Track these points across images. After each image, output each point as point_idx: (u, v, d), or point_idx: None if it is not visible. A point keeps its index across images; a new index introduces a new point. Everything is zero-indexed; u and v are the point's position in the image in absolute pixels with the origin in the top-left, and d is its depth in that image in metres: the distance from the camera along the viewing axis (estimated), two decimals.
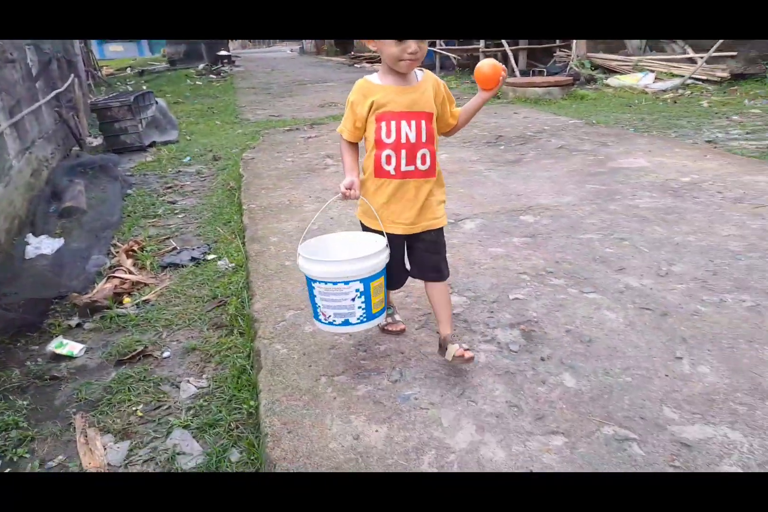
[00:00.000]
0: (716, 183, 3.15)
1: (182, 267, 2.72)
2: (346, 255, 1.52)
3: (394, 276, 1.63)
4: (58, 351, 2.05)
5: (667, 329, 1.74)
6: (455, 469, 1.25)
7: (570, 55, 9.30)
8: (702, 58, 8.08)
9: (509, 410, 1.43)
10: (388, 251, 1.49)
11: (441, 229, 1.59)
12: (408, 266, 1.67)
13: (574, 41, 9.24)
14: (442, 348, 1.57)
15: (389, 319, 1.79)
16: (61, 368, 1.97)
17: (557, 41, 10.18)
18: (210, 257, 2.81)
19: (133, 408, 1.73)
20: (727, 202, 2.82)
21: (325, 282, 1.42)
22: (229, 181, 4.08)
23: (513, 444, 1.32)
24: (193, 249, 2.92)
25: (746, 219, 2.57)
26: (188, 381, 1.86)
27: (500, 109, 6.24)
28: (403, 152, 1.45)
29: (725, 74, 7.85)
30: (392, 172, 1.47)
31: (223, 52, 15.80)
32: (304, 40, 26.58)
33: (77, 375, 1.94)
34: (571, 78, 7.72)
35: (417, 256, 1.61)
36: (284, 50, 30.60)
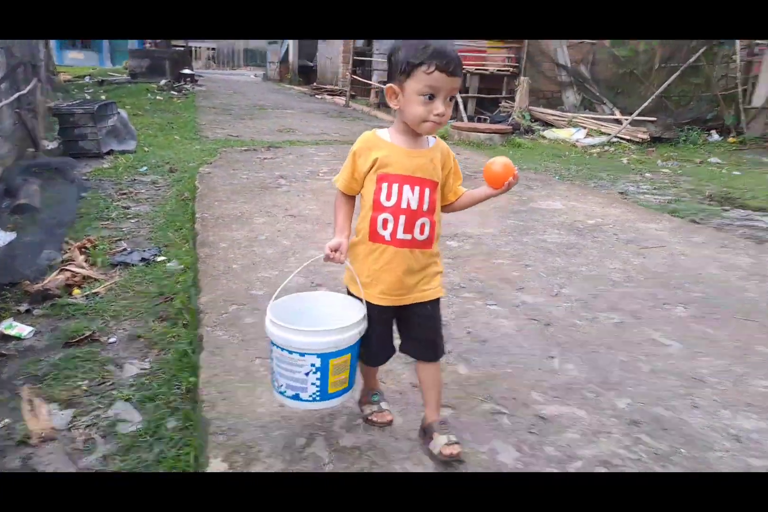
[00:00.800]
0: (615, 226, 3.67)
1: (132, 266, 2.91)
2: (316, 320, 1.38)
3: (376, 353, 1.47)
4: (7, 332, 2.20)
5: (547, 336, 2.12)
6: (360, 431, 1.54)
7: (513, 106, 10.14)
8: (627, 119, 9.06)
9: (411, 389, 1.74)
10: (361, 327, 1.34)
11: (436, 301, 1.45)
12: (395, 341, 1.51)
13: (518, 95, 10.11)
14: (426, 434, 1.46)
15: (374, 407, 1.55)
16: (9, 347, 2.13)
17: (503, 93, 11.10)
18: (159, 259, 3.02)
19: (78, 383, 1.91)
20: (620, 243, 3.32)
21: (282, 349, 1.30)
22: (183, 192, 4.29)
23: (410, 413, 1.62)
24: (144, 250, 3.11)
25: (631, 257, 3.06)
26: (132, 363, 2.07)
27: None
28: (402, 218, 1.33)
29: (645, 136, 8.82)
30: (387, 238, 1.35)
31: (186, 70, 15.99)
32: (268, 67, 27.16)
33: (26, 354, 2.09)
34: (511, 127, 8.46)
35: (409, 331, 1.46)
36: (248, 74, 30.99)
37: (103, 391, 1.88)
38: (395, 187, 1.33)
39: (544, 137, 8.89)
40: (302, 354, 1.27)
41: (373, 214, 1.35)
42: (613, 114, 9.96)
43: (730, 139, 9.48)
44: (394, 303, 1.39)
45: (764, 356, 2.04)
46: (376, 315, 1.39)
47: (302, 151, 6.23)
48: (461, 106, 10.21)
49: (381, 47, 15.45)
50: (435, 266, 1.43)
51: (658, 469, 1.44)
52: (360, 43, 17.49)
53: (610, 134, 8.87)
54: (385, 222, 1.34)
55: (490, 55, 11.50)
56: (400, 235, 1.34)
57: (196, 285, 2.54)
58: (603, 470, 1.42)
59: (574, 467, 1.42)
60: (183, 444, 1.61)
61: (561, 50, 11.13)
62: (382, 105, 13.18)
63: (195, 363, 1.99)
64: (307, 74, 23.20)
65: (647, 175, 6.51)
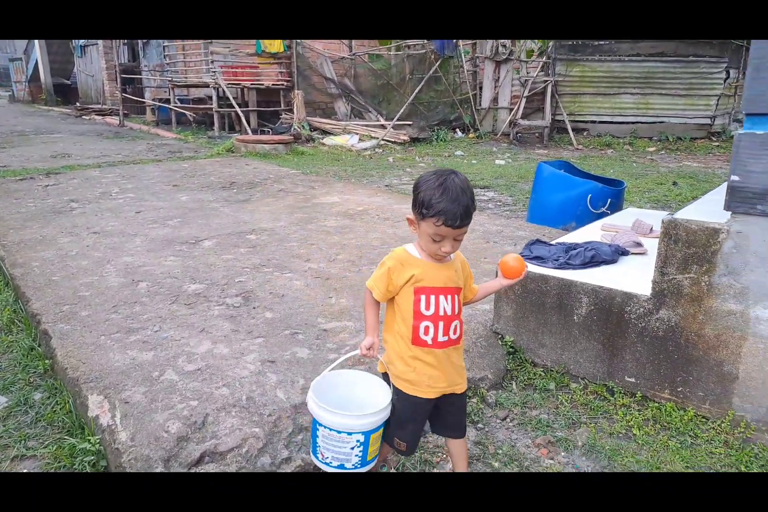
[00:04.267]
0: (378, 210, 4.73)
1: None
2: (352, 402, 1.57)
3: (416, 441, 1.63)
4: None
5: (328, 286, 2.95)
6: (197, 360, 2.15)
7: (293, 118, 11.08)
8: (389, 124, 10.64)
9: (232, 333, 2.40)
10: (390, 406, 1.54)
11: (465, 392, 1.64)
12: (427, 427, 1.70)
13: (295, 107, 11.09)
14: None
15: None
16: None
17: (282, 105, 11.99)
18: None
19: None
20: (380, 220, 4.35)
21: (330, 429, 1.48)
22: None
23: (233, 345, 2.28)
24: None
25: (387, 229, 4.10)
26: None
27: (234, 162, 7.37)
28: (441, 324, 1.50)
29: (406, 137, 10.48)
30: (429, 342, 1.51)
31: None
32: (14, 87, 24.09)
33: None
34: (293, 137, 9.36)
35: (445, 417, 1.63)
36: None
37: None
38: (432, 298, 1.49)
39: (323, 144, 9.98)
40: (350, 434, 1.47)
41: (414, 323, 1.50)
42: (378, 120, 11.54)
43: (470, 135, 11.75)
44: (438, 394, 1.55)
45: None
46: (423, 407, 1.55)
47: (86, 175, 6.25)
48: (244, 121, 10.82)
49: (150, 63, 15.16)
50: (462, 359, 1.61)
51: None
52: (125, 59, 16.82)
53: (378, 138, 10.33)
54: (426, 329, 1.50)
55: (263, 71, 12.27)
56: (440, 338, 1.51)
57: (21, 298, 2.80)
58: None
59: (344, 350, 2.24)
60: (55, 403, 2.03)
61: (327, 65, 12.41)
62: (161, 122, 13.06)
63: (44, 353, 2.36)
64: (65, 93, 21.24)
65: (408, 169, 7.94)
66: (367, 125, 11.12)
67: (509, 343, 2.33)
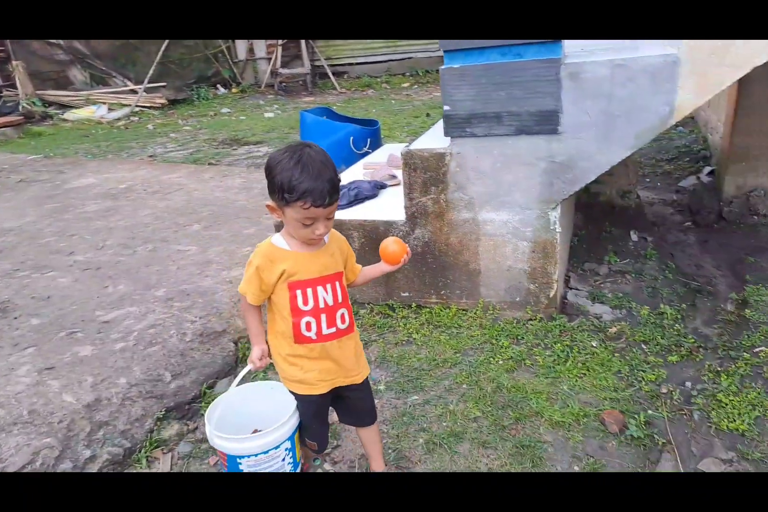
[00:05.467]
0: (144, 184, 4.39)
1: None
2: (256, 413, 1.48)
3: (325, 437, 1.56)
4: None
5: (101, 276, 2.73)
6: None
7: (18, 94, 9.36)
8: (140, 88, 9.65)
9: None
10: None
11: (366, 379, 1.53)
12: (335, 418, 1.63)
13: (18, 80, 9.33)
14: None
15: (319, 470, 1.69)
16: None
17: (0, 81, 9.99)
18: None
19: None
20: (149, 195, 4.07)
21: (257, 455, 1.37)
22: None
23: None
24: None
25: (157, 203, 3.86)
26: None
27: None
28: (323, 317, 1.38)
29: (163, 101, 9.65)
30: (313, 337, 1.39)
31: None
32: None
33: None
34: (23, 117, 7.96)
35: (348, 407, 1.55)
36: None
37: None
38: (309, 291, 1.36)
39: (65, 120, 8.69)
40: (277, 447, 1.39)
41: (294, 320, 1.37)
42: (126, 85, 10.35)
43: (233, 90, 11.26)
44: (332, 385, 1.45)
45: (248, 236, 3.16)
46: (319, 404, 1.47)
47: None
48: None
49: None
50: (358, 345, 1.51)
51: (190, 317, 2.31)
52: None
53: (130, 105, 9.33)
54: (308, 325, 1.38)
55: None
56: (324, 331, 1.39)
57: None
58: (152, 331, 2.19)
59: (132, 336, 2.15)
60: None
61: None
62: None
63: None
64: None
65: (172, 135, 7.39)
66: (114, 92, 9.92)
67: None
